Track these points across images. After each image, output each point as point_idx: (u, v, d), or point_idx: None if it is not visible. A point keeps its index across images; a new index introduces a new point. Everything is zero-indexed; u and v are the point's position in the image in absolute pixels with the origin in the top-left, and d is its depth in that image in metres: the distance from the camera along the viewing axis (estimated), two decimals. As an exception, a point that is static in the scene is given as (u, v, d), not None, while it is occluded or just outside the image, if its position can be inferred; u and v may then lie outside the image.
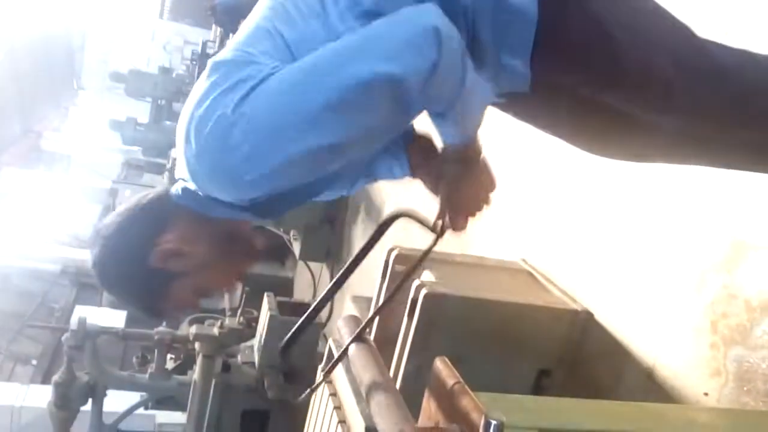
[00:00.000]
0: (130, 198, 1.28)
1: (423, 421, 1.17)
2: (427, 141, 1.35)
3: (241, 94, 1.02)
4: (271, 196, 1.14)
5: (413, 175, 1.37)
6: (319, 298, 1.38)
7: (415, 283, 2.16)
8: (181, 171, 1.15)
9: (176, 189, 1.21)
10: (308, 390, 1.57)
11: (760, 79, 1.30)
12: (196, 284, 1.26)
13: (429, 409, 1.18)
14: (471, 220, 1.32)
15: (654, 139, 1.42)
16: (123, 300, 1.29)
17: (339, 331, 1.34)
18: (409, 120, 1.18)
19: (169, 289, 1.23)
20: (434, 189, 1.32)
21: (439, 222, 1.28)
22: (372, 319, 1.41)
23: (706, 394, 1.79)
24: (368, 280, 2.37)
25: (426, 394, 1.20)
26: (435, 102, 1.09)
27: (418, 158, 1.34)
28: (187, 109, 1.09)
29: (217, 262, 1.26)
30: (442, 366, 1.19)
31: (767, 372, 1.63)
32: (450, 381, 1.14)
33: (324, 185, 1.27)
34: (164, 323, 4.00)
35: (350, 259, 1.38)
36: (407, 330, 2.14)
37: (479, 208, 1.31)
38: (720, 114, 1.32)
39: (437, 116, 1.13)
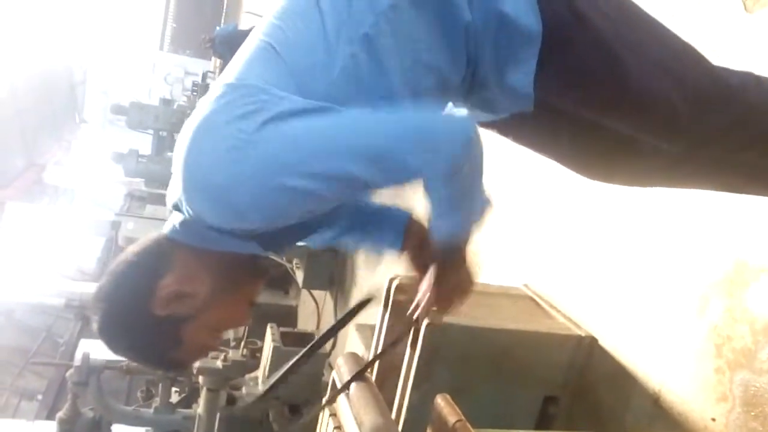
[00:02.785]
0: (123, 252, 1.21)
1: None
2: (424, 229, 1.35)
3: (262, 119, 1.02)
4: (273, 229, 1.12)
5: (402, 253, 1.39)
6: (285, 368, 1.39)
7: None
8: (176, 195, 1.11)
9: (170, 225, 1.16)
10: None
11: (762, 100, 1.30)
12: (208, 323, 1.18)
13: (433, 445, 1.17)
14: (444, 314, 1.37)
15: (656, 163, 1.42)
16: (141, 362, 1.23)
17: (339, 369, 1.33)
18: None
19: (183, 336, 1.16)
20: (416, 273, 1.36)
21: (413, 316, 1.32)
22: (364, 370, 1.41)
23: (713, 419, 1.77)
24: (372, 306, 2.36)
25: (431, 425, 1.19)
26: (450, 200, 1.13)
27: (413, 241, 1.37)
28: (192, 129, 1.06)
29: (223, 296, 1.18)
30: (443, 403, 1.18)
31: (774, 396, 1.61)
32: (452, 419, 1.13)
33: (320, 226, 1.28)
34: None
35: (318, 338, 1.41)
36: (410, 360, 2.13)
37: (454, 305, 1.35)
38: (723, 136, 1.31)
39: (438, 213, 1.16)
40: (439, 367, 2.11)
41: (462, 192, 1.11)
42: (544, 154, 1.51)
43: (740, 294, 1.74)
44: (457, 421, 1.10)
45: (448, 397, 1.18)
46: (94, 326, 1.16)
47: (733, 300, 1.75)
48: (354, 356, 1.34)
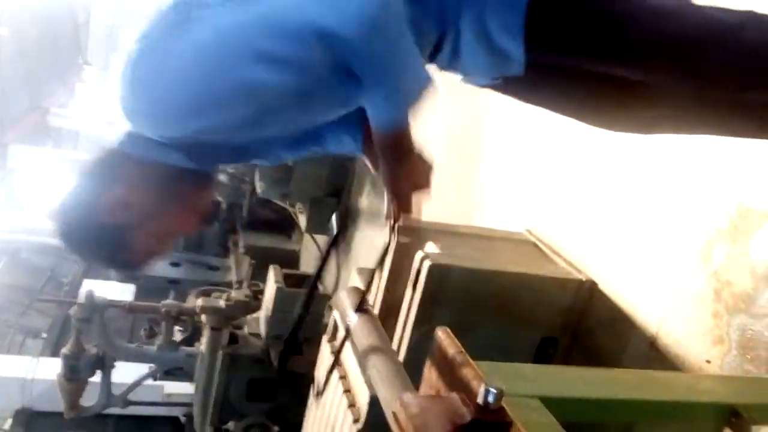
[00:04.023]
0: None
1: (424, 390, 1.17)
2: None
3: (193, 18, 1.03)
4: (203, 143, 1.15)
5: (363, 152, 1.36)
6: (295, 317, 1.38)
7: (419, 254, 2.15)
8: (116, 100, 1.15)
9: (119, 137, 1.22)
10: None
11: (764, 38, 1.28)
12: (154, 231, 1.25)
13: (430, 378, 1.18)
14: (417, 204, 1.30)
15: (661, 109, 1.40)
16: (95, 261, 1.32)
17: (342, 303, 1.34)
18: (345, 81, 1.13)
19: (131, 242, 1.23)
20: (376, 170, 1.31)
21: (391, 217, 1.28)
22: (367, 291, 1.40)
23: (708, 361, 1.79)
24: (374, 252, 2.37)
25: (427, 364, 1.20)
26: (371, 64, 1.06)
27: (369, 141, 1.31)
28: (131, 41, 1.10)
29: (168, 205, 1.26)
30: (443, 336, 1.18)
31: (771, 340, 1.62)
32: (451, 350, 1.14)
33: (261, 149, 1.28)
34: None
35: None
36: (411, 301, 2.15)
37: (418, 192, 1.28)
38: (726, 76, 1.29)
39: (371, 91, 1.10)
40: (440, 308, 2.13)
41: (392, 64, 1.06)
42: (548, 108, 1.50)
43: (744, 240, 1.74)
44: (457, 352, 1.11)
45: (448, 330, 1.18)
46: (56, 230, 1.24)
47: (737, 246, 1.75)
48: (355, 290, 1.35)
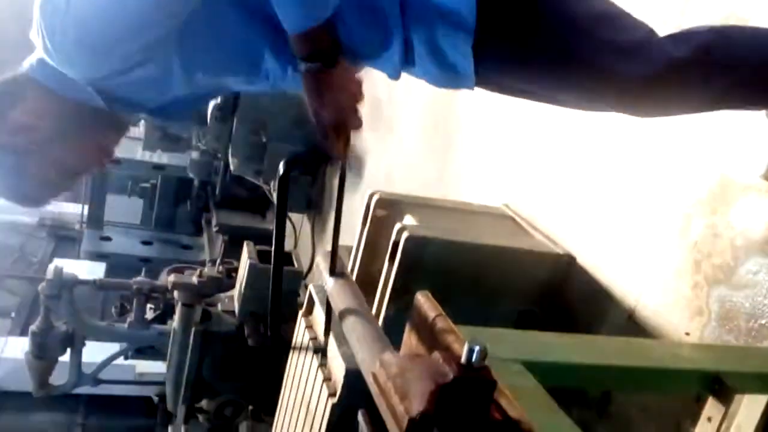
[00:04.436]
0: None
1: (404, 353, 1.13)
2: None
3: None
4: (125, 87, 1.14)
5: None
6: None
7: (397, 226, 2.12)
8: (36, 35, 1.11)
9: (31, 61, 1.19)
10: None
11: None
12: (52, 160, 1.25)
13: (410, 342, 1.15)
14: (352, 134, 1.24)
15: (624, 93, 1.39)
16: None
17: (318, 267, 1.30)
18: None
19: (29, 167, 1.23)
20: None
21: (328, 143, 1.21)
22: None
23: (687, 333, 1.78)
24: (350, 229, 2.33)
25: (407, 328, 1.17)
26: None
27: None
28: None
29: (69, 137, 1.25)
30: (423, 300, 1.15)
31: (750, 311, 1.61)
32: (432, 314, 1.10)
33: (198, 100, 1.29)
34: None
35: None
36: (388, 273, 2.11)
37: (347, 113, 1.20)
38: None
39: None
40: (418, 281, 2.09)
41: None
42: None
43: (724, 211, 1.72)
44: (437, 315, 1.08)
45: (428, 294, 1.15)
46: None
47: (717, 217, 1.74)
48: (329, 253, 1.31)
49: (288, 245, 5.17)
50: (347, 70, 1.17)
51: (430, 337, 1.08)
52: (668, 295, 1.86)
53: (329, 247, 3.07)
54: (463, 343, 0.96)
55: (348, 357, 2.00)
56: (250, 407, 3.95)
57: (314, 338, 2.41)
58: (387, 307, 2.12)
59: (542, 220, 2.42)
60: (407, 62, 1.27)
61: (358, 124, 1.20)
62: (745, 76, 1.31)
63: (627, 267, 2.02)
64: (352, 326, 1.03)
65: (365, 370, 0.93)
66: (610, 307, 2.04)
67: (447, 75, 1.27)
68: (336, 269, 1.19)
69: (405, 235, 2.05)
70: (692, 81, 1.29)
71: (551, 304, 2.18)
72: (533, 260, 2.19)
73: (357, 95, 1.19)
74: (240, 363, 3.76)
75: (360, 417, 0.98)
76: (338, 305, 1.09)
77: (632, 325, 1.94)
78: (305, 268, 4.28)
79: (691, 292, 1.79)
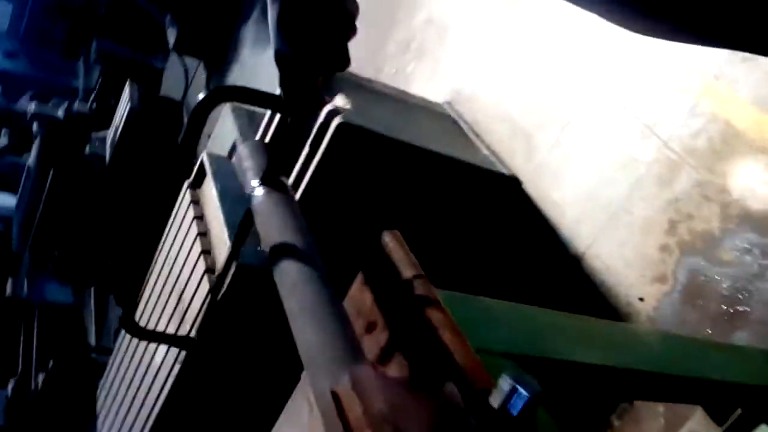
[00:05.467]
0: None
1: (351, 314, 0.78)
2: None
3: None
4: None
5: None
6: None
7: (327, 107, 1.72)
8: None
9: None
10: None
11: None
12: None
13: (361, 301, 0.80)
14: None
15: None
16: None
17: (240, 164, 0.90)
18: None
19: None
20: None
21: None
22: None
23: (641, 299, 1.55)
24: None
25: (358, 279, 0.81)
26: None
27: None
28: None
29: None
30: (392, 244, 0.79)
31: (727, 293, 1.39)
32: (407, 271, 0.75)
33: None
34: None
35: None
36: (306, 164, 1.72)
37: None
38: None
39: None
40: (342, 178, 1.73)
41: None
42: None
43: (722, 171, 1.46)
44: (416, 276, 0.73)
45: (398, 235, 0.80)
46: None
47: (712, 176, 1.47)
48: (264, 147, 0.91)
49: (177, 93, 4.56)
50: None
51: (400, 308, 0.74)
52: (628, 249, 1.61)
53: (229, 107, 2.61)
54: (469, 349, 0.62)
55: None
56: (110, 262, 3.52)
57: (199, 217, 2.02)
58: (300, 201, 1.75)
59: (487, 130, 2.09)
60: None
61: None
62: None
63: (580, 203, 1.75)
64: (290, 286, 0.66)
65: (313, 370, 0.57)
66: (554, 247, 1.78)
67: None
68: (271, 176, 0.80)
69: (337, 120, 1.66)
70: None
71: (491, 226, 1.90)
72: (475, 177, 1.87)
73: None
74: (103, 218, 3.28)
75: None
76: (269, 236, 0.72)
77: (578, 272, 1.70)
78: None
79: (657, 254, 1.54)
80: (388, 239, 0.79)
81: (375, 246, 0.81)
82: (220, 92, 0.92)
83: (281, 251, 0.71)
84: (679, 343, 1.15)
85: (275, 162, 0.87)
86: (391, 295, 0.76)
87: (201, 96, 0.85)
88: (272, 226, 0.75)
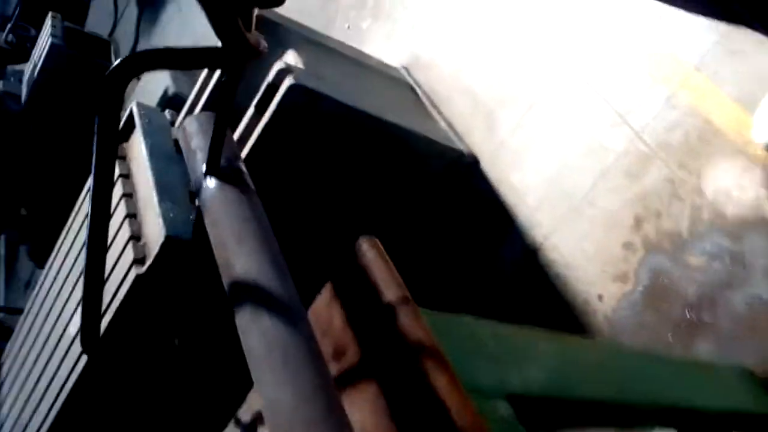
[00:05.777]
0: None
1: (316, 332, 0.65)
2: None
3: None
4: None
5: None
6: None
7: (278, 64, 1.55)
8: None
9: None
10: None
11: None
12: None
13: (329, 317, 0.67)
14: None
15: None
16: None
17: (186, 132, 0.74)
18: None
19: None
20: None
21: None
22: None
23: (600, 296, 1.48)
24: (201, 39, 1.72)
25: (328, 290, 0.68)
26: None
27: None
28: None
29: None
30: (371, 254, 0.66)
31: (694, 300, 1.32)
32: (390, 291, 0.63)
33: None
34: None
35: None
36: (250, 128, 1.56)
37: None
38: None
39: None
40: (292, 144, 1.58)
41: None
42: None
43: (696, 169, 1.38)
44: (400, 299, 0.61)
45: (378, 243, 0.67)
46: None
47: (684, 174, 1.40)
48: (207, 117, 0.75)
49: (104, 29, 4.22)
50: None
51: (378, 338, 0.61)
52: (589, 243, 1.53)
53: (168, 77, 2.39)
54: (471, 409, 0.51)
55: (169, 219, 1.50)
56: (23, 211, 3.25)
57: (125, 176, 1.82)
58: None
59: (446, 102, 1.97)
60: None
61: None
62: None
63: (541, 191, 1.66)
64: (251, 321, 0.51)
65: (273, 406, 0.44)
66: (509, 235, 1.68)
67: None
68: (223, 161, 0.65)
69: (288, 81, 1.50)
70: None
71: (444, 207, 1.79)
72: (432, 152, 1.75)
73: None
74: (16, 162, 3.00)
75: None
76: (224, 251, 0.57)
77: (534, 263, 1.61)
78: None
79: (620, 250, 1.47)
80: (366, 248, 0.66)
81: (348, 253, 0.67)
82: (137, 60, 0.75)
83: (240, 272, 0.57)
84: (648, 362, 1.08)
85: (223, 140, 0.72)
86: (367, 318, 0.63)
87: (114, 65, 0.68)
88: (227, 235, 0.60)
